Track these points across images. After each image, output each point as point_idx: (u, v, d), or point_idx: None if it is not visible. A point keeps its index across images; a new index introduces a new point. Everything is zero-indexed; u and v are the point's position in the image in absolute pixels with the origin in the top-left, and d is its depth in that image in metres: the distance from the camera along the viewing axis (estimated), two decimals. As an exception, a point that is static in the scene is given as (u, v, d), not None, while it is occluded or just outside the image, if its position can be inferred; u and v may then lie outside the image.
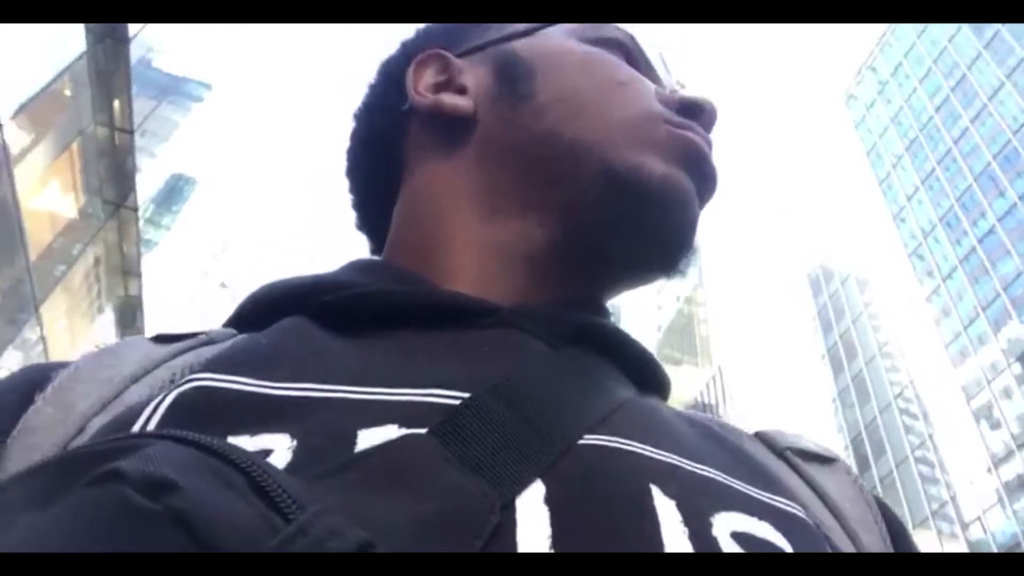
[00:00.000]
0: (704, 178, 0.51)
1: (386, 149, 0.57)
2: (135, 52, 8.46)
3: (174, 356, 0.41)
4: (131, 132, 8.57)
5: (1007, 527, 18.89)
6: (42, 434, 0.36)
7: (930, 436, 22.80)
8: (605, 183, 0.49)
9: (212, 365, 0.38)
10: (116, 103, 8.33)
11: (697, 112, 0.53)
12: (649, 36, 0.59)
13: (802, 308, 33.46)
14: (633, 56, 0.57)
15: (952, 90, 26.71)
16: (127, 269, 9.69)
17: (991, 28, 25.25)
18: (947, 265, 24.33)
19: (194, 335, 0.44)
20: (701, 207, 0.52)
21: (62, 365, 0.40)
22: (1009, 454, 20.20)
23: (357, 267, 0.51)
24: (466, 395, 0.36)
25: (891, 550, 0.42)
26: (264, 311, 0.46)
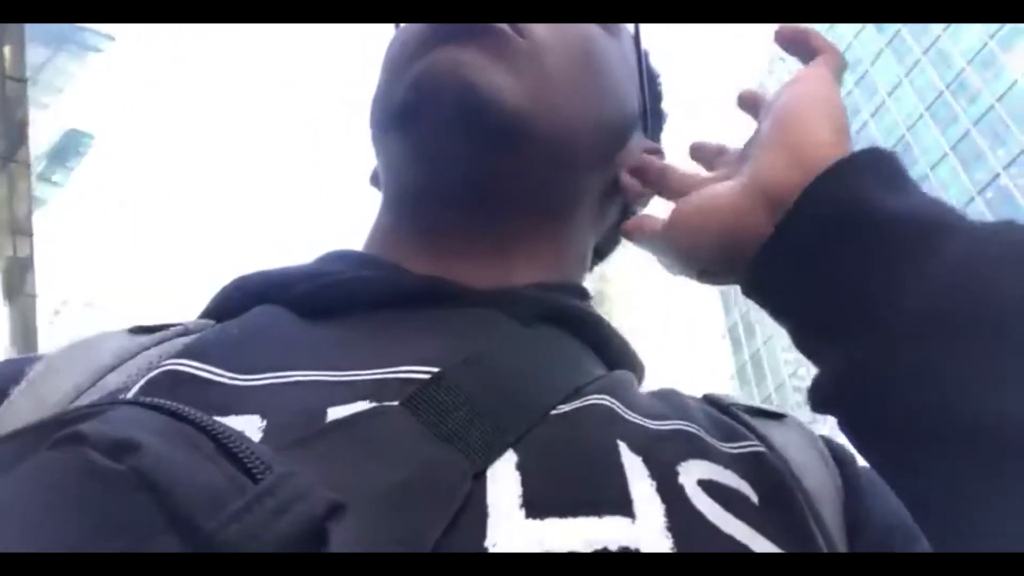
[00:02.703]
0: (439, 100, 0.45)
1: None
2: (29, -5, 7.91)
3: (151, 345, 0.41)
4: (23, 81, 8.06)
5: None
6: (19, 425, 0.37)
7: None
8: (396, 141, 0.49)
9: (184, 353, 0.38)
10: (7, 49, 7.80)
11: None
12: None
13: (713, 324, 34.27)
14: None
15: (855, 84, 27.86)
16: (16, 228, 9.12)
17: (893, 27, 26.39)
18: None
19: (170, 326, 0.44)
20: (497, 88, 0.45)
21: (35, 359, 0.40)
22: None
23: (329, 257, 0.51)
24: (438, 370, 0.36)
25: (842, 491, 0.42)
26: (238, 302, 0.46)
